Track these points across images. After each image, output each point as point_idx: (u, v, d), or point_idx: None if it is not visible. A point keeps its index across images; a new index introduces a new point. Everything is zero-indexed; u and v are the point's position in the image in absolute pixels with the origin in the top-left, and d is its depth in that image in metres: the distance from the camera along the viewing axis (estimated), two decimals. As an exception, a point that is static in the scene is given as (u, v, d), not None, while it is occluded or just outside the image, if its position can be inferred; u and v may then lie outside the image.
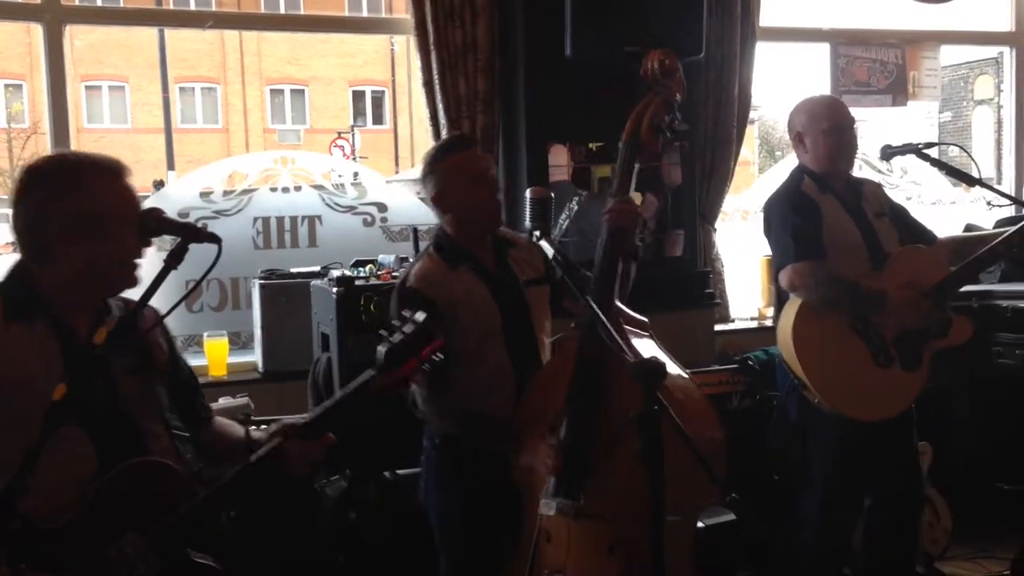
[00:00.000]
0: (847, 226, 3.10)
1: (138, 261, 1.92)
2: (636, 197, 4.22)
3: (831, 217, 3.08)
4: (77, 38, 18.90)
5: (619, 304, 2.55)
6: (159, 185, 12.03)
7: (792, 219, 3.07)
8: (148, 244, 1.93)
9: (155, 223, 1.80)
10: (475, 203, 2.64)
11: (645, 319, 2.60)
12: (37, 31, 4.08)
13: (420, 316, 2.06)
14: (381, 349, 2.02)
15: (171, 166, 17.86)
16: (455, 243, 2.68)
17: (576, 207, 4.17)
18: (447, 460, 2.68)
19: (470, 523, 2.63)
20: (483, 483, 2.56)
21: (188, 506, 1.90)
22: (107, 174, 1.91)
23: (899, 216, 3.28)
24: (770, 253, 3.28)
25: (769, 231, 3.19)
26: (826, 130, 3.11)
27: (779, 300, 3.21)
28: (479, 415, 2.58)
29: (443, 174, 2.64)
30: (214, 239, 1.87)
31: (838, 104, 3.23)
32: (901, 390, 3.07)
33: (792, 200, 3.12)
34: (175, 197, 4.51)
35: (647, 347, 2.48)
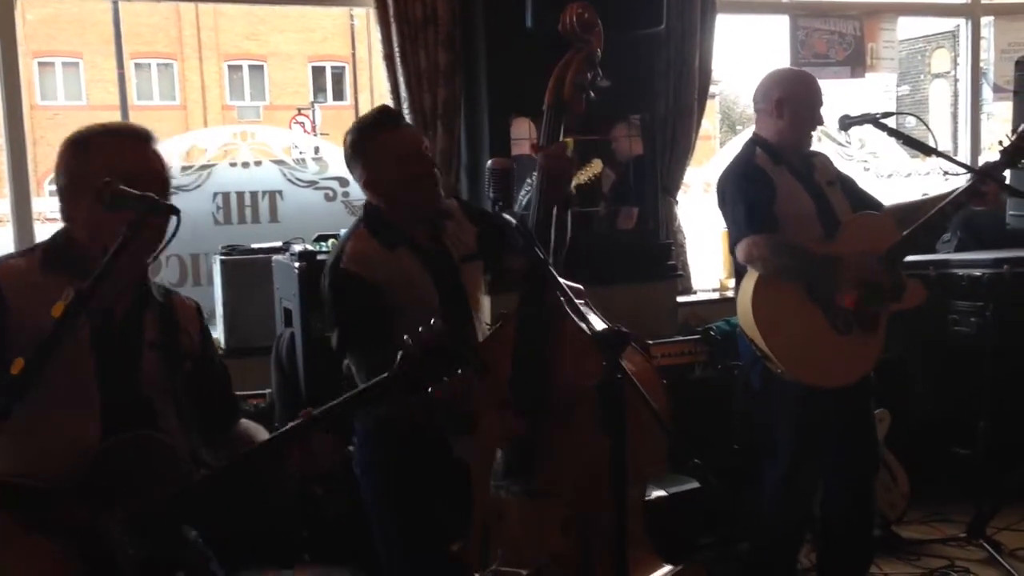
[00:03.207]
0: (800, 196, 3.13)
1: (111, 233, 1.80)
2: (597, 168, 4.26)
3: (784, 188, 3.11)
4: (28, 12, 18.48)
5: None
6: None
7: (746, 191, 3.09)
8: (117, 213, 1.80)
9: (111, 195, 1.77)
10: (410, 185, 2.46)
11: (580, 286, 2.45)
12: (-13, 4, 3.98)
13: (444, 330, 1.95)
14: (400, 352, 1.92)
15: (128, 143, 17.55)
16: (389, 221, 2.51)
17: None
18: (379, 443, 2.57)
19: (405, 507, 2.52)
20: (418, 465, 2.47)
21: (180, 487, 1.90)
22: (112, 137, 1.94)
23: (847, 185, 3.32)
24: (726, 226, 3.31)
25: (723, 204, 3.21)
26: (813, 103, 3.17)
27: (737, 272, 3.24)
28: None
29: (372, 156, 2.46)
30: (173, 211, 1.85)
31: (817, 81, 3.28)
32: (861, 355, 3.11)
33: (746, 172, 3.15)
34: (132, 173, 4.44)
35: (590, 316, 2.40)
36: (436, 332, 1.94)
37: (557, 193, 2.44)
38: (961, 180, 3.23)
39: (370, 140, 2.48)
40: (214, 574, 2.09)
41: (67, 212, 1.95)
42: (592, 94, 2.52)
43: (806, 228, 3.08)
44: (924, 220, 3.11)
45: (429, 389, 1.94)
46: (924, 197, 3.45)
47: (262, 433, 2.18)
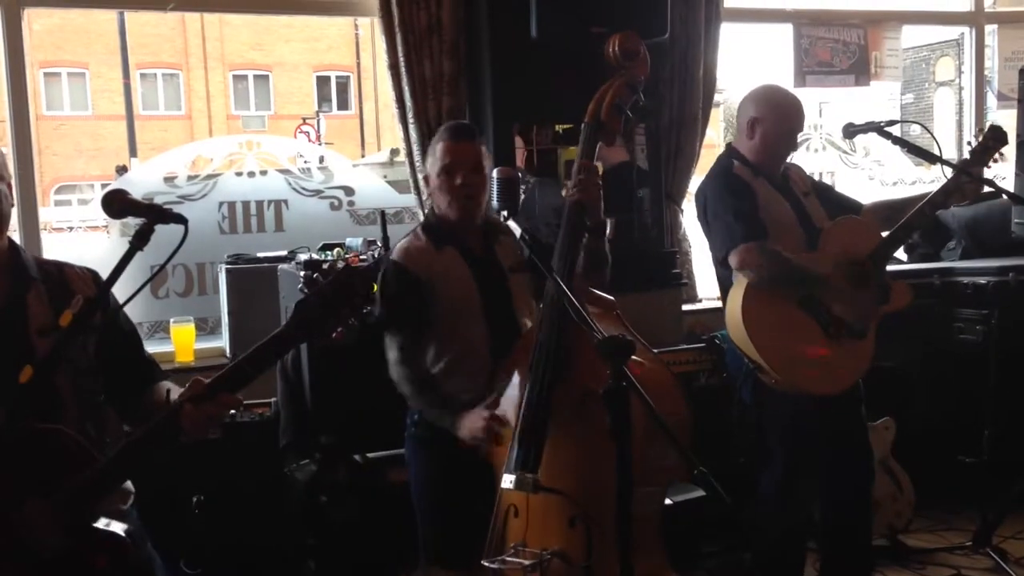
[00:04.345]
0: (780, 206, 3.13)
1: None
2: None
3: (764, 198, 3.11)
4: (35, 23, 18.57)
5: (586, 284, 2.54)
6: (122, 170, 11.90)
7: (731, 202, 3.08)
8: None
9: (120, 204, 1.79)
10: (444, 193, 2.67)
11: (612, 298, 2.59)
12: (-6, 15, 4.00)
13: (340, 266, 1.94)
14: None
15: (133, 153, 17.64)
16: (442, 224, 2.73)
17: (523, 194, 4.18)
18: (423, 436, 2.74)
19: (444, 498, 2.69)
20: (458, 459, 2.58)
21: (86, 475, 1.87)
22: None
23: (824, 193, 3.34)
24: (709, 239, 3.26)
25: (706, 216, 3.20)
26: (787, 131, 3.15)
27: (722, 285, 3.22)
28: (436, 392, 2.64)
29: (432, 156, 2.72)
30: (180, 220, 1.87)
31: (801, 107, 3.21)
32: (854, 360, 3.11)
33: (727, 184, 3.14)
34: (138, 182, 4.47)
35: (612, 326, 2.47)
36: (333, 274, 1.90)
37: (584, 222, 2.52)
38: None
39: (436, 143, 2.72)
40: (142, 561, 2.05)
41: None
42: (631, 115, 2.66)
43: (788, 237, 3.08)
44: (904, 222, 3.13)
45: (333, 335, 1.93)
46: (905, 197, 3.46)
47: (173, 393, 2.08)
